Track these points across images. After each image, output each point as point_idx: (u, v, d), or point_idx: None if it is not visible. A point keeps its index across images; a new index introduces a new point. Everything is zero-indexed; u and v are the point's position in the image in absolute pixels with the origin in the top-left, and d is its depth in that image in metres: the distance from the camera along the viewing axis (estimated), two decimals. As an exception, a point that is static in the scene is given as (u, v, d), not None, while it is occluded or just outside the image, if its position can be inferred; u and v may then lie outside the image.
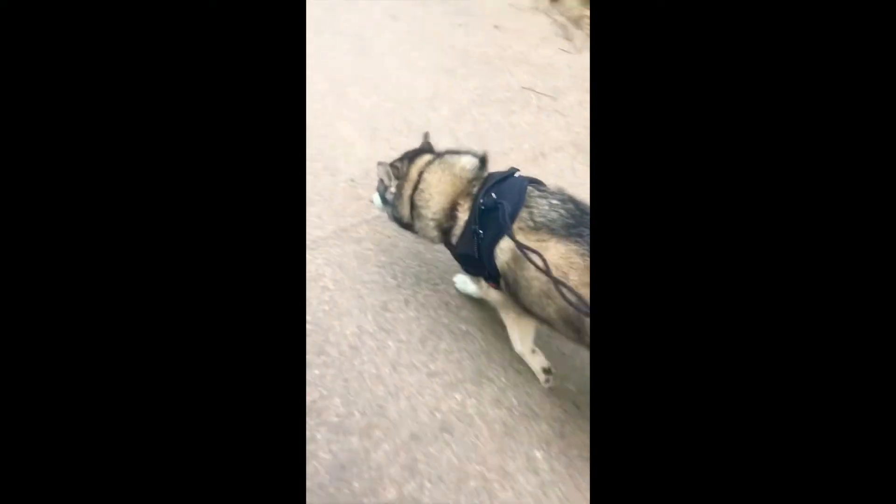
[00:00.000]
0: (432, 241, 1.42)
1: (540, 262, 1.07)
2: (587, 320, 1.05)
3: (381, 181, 1.47)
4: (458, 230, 1.29)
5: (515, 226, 1.16)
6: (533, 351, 1.38)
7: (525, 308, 1.21)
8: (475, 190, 1.28)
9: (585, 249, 1.07)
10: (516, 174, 1.28)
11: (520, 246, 1.10)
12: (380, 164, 1.46)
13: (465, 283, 1.55)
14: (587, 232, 1.10)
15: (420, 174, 1.38)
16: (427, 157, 1.43)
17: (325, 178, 1.92)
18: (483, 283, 1.34)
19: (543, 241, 1.12)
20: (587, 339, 1.08)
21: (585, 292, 1.03)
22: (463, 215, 1.29)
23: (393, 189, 1.45)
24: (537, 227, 1.14)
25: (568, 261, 1.08)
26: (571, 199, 1.20)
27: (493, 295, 1.35)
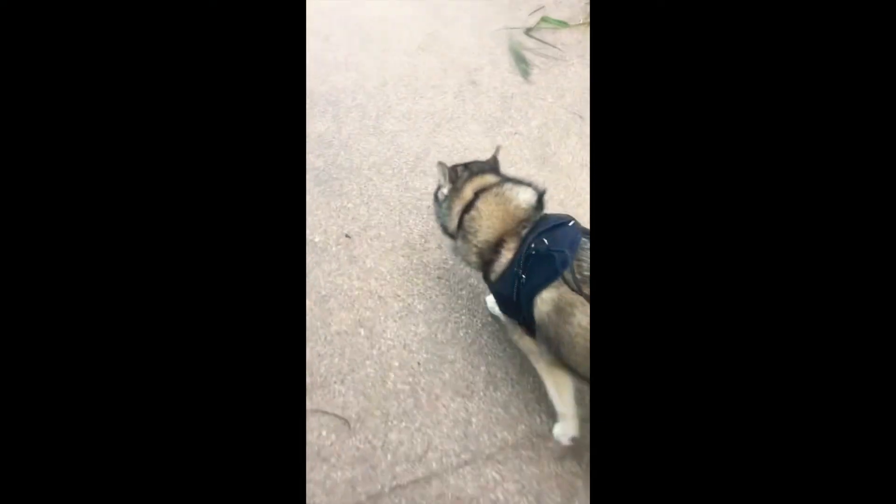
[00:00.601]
0: (469, 265, 1.36)
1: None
2: None
3: (439, 180, 1.43)
4: (498, 267, 1.24)
5: (559, 280, 1.10)
6: (571, 413, 1.29)
7: (568, 366, 1.16)
8: (524, 231, 1.23)
9: None
10: (570, 223, 1.21)
11: (576, 287, 1.05)
12: (440, 164, 1.40)
13: (494, 306, 1.46)
14: None
15: (475, 196, 1.31)
16: (488, 180, 1.35)
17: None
18: (518, 328, 1.28)
19: (587, 296, 1.06)
20: None
21: None
22: (507, 254, 1.23)
23: (445, 192, 1.40)
24: (584, 281, 1.07)
25: None
26: None
27: (525, 343, 1.30)
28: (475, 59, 2.55)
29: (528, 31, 2.68)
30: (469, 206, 1.31)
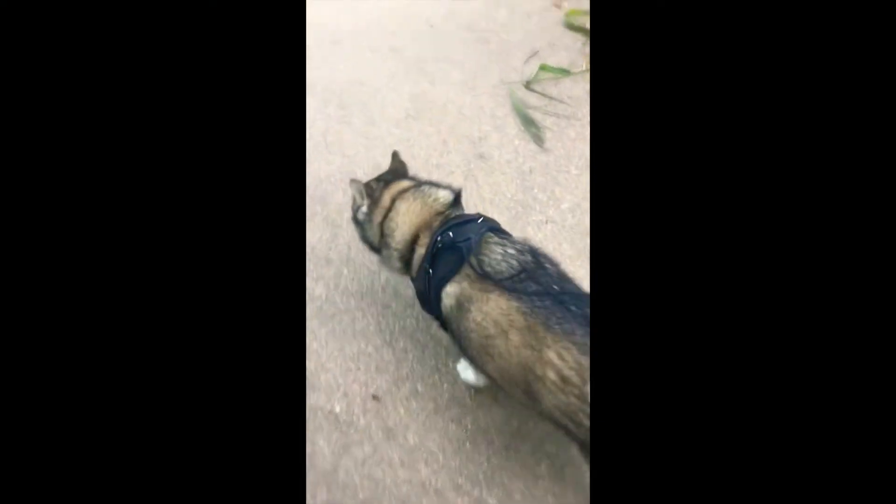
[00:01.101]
0: (397, 272, 1.36)
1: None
2: (534, 381, 1.00)
3: (354, 199, 1.40)
4: (415, 264, 1.25)
5: (462, 272, 1.12)
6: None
7: (468, 358, 1.19)
8: (435, 225, 1.23)
9: (529, 308, 1.01)
10: (479, 219, 1.22)
11: (479, 271, 1.09)
12: (353, 181, 1.38)
13: (465, 369, 1.42)
14: (534, 287, 1.04)
15: (393, 201, 1.32)
16: (403, 185, 1.36)
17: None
18: (435, 322, 1.30)
19: (486, 291, 1.06)
20: (538, 404, 1.02)
21: (525, 353, 0.99)
22: (420, 249, 1.23)
23: (364, 209, 1.38)
24: (482, 276, 1.08)
25: (508, 318, 1.02)
26: (532, 252, 1.13)
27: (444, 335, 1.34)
28: (476, 124, 2.20)
29: (528, 85, 2.35)
30: (388, 212, 1.31)
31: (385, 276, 1.65)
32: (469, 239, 1.12)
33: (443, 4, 2.91)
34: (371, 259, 1.60)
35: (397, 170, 1.46)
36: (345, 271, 1.69)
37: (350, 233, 1.78)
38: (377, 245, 1.36)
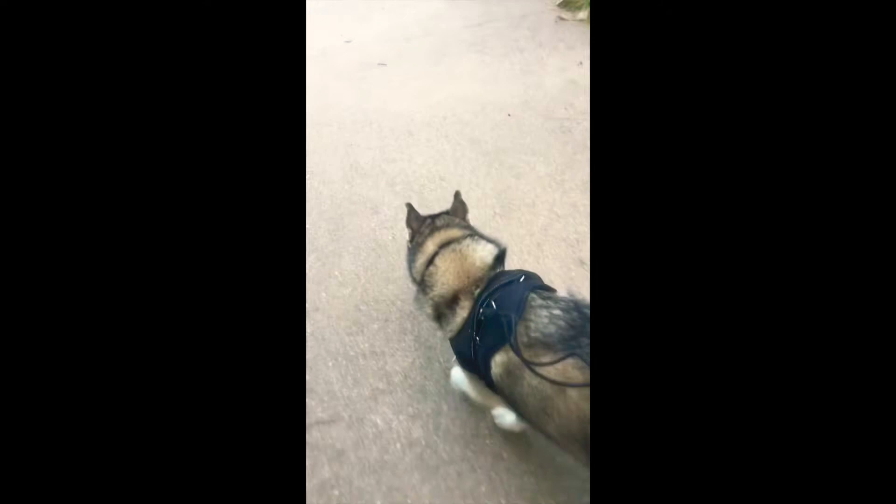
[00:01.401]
0: (426, 316, 1.35)
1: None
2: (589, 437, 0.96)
3: (408, 222, 1.47)
4: (454, 325, 1.24)
5: (508, 343, 1.10)
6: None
7: (527, 422, 1.16)
8: (477, 291, 1.22)
9: (584, 362, 0.99)
10: (521, 279, 1.20)
11: (526, 363, 1.04)
12: (408, 206, 1.45)
13: (503, 415, 1.40)
14: (586, 341, 1.02)
15: (436, 253, 1.31)
16: (451, 234, 1.35)
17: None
18: (480, 383, 1.27)
19: (538, 356, 1.05)
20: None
21: (585, 406, 0.96)
22: (462, 312, 1.22)
23: (410, 243, 1.44)
24: (531, 344, 1.07)
25: (564, 375, 1.01)
26: (577, 307, 1.11)
27: (488, 400, 1.32)
28: (572, 225, 2.01)
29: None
30: (430, 261, 1.31)
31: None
32: (510, 317, 1.10)
33: (518, 92, 2.83)
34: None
35: (457, 210, 1.47)
36: (444, 407, 1.47)
37: (447, 357, 1.58)
38: (417, 281, 1.37)
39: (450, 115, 2.68)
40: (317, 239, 2.04)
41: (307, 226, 2.10)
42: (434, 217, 1.43)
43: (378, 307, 1.76)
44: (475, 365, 1.19)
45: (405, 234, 1.52)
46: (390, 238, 2.01)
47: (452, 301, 1.24)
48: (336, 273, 1.89)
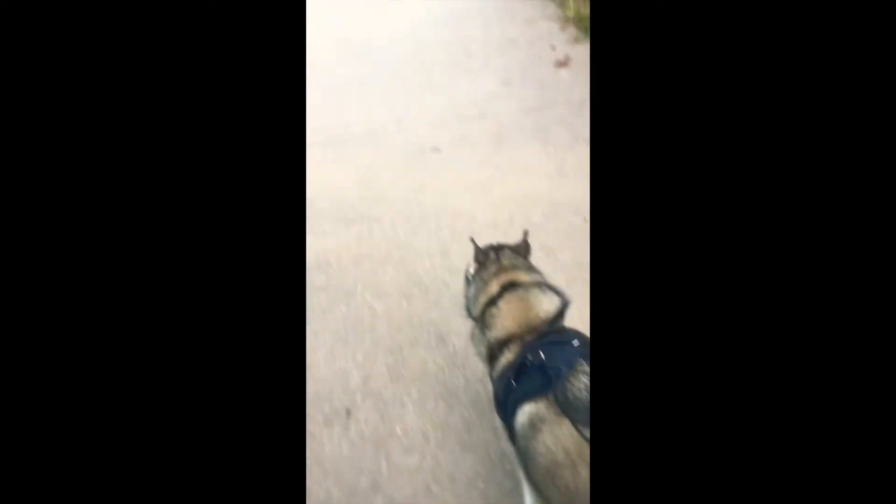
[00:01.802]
0: (478, 355, 1.36)
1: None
2: None
3: (475, 257, 1.45)
4: (499, 366, 1.23)
5: (543, 396, 1.08)
6: None
7: (531, 483, 1.12)
8: (528, 338, 1.21)
9: None
10: (574, 342, 1.17)
11: (570, 418, 1.02)
12: (472, 241, 1.45)
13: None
14: None
15: (500, 294, 1.30)
16: (517, 278, 1.33)
17: None
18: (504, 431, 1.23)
19: (562, 416, 1.02)
20: None
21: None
22: (509, 355, 1.22)
23: (472, 272, 1.43)
24: (565, 404, 1.04)
25: (578, 449, 0.97)
26: None
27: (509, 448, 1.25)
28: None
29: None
30: (493, 301, 1.31)
31: None
32: (560, 370, 1.09)
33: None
34: None
35: (520, 248, 1.47)
36: None
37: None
38: (475, 318, 1.37)
39: (516, 216, 2.38)
40: (372, 377, 1.69)
41: (359, 357, 1.76)
42: (499, 251, 1.42)
43: (455, 489, 1.38)
44: (503, 408, 1.18)
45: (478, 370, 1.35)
46: (462, 383, 1.65)
47: (504, 344, 1.24)
48: (398, 431, 1.53)
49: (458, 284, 2.02)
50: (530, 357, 1.14)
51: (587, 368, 1.09)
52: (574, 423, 1.00)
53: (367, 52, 4.41)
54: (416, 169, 2.79)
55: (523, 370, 1.14)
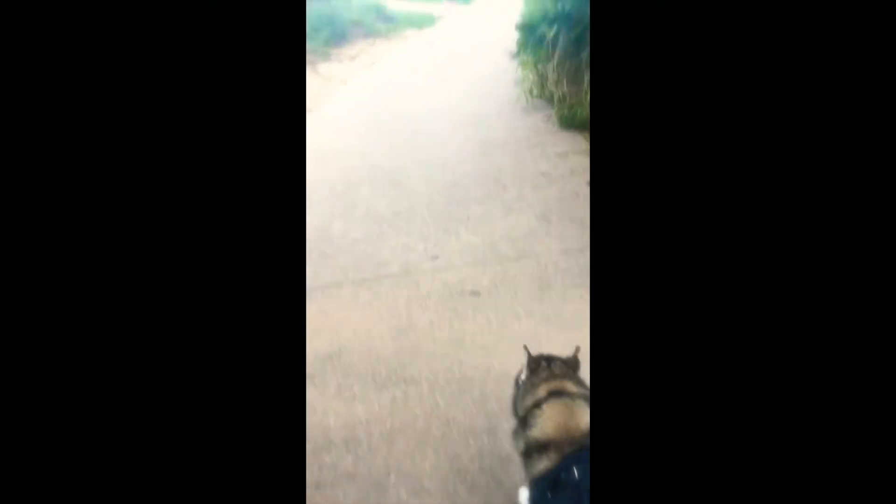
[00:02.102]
0: (518, 451, 1.37)
1: None
2: None
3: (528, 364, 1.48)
4: (535, 471, 1.24)
5: None
6: None
7: None
8: (567, 449, 1.21)
9: None
10: None
11: None
12: (525, 347, 1.51)
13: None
14: None
15: (546, 398, 1.33)
16: (564, 386, 1.36)
17: None
18: None
19: None
20: None
21: None
22: (547, 462, 1.22)
23: (523, 378, 1.46)
24: None
25: None
26: None
27: None
28: None
29: None
30: (538, 404, 1.34)
31: None
32: (583, 495, 1.07)
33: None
34: None
35: (570, 361, 1.48)
36: None
37: None
38: (518, 417, 1.40)
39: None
40: None
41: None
42: (550, 361, 1.46)
43: None
44: None
45: None
46: None
47: (543, 448, 1.25)
48: None
49: (511, 479, 1.70)
50: (564, 475, 1.17)
51: None
52: None
53: (401, 180, 4.44)
54: (454, 318, 2.59)
55: (557, 484, 1.17)
